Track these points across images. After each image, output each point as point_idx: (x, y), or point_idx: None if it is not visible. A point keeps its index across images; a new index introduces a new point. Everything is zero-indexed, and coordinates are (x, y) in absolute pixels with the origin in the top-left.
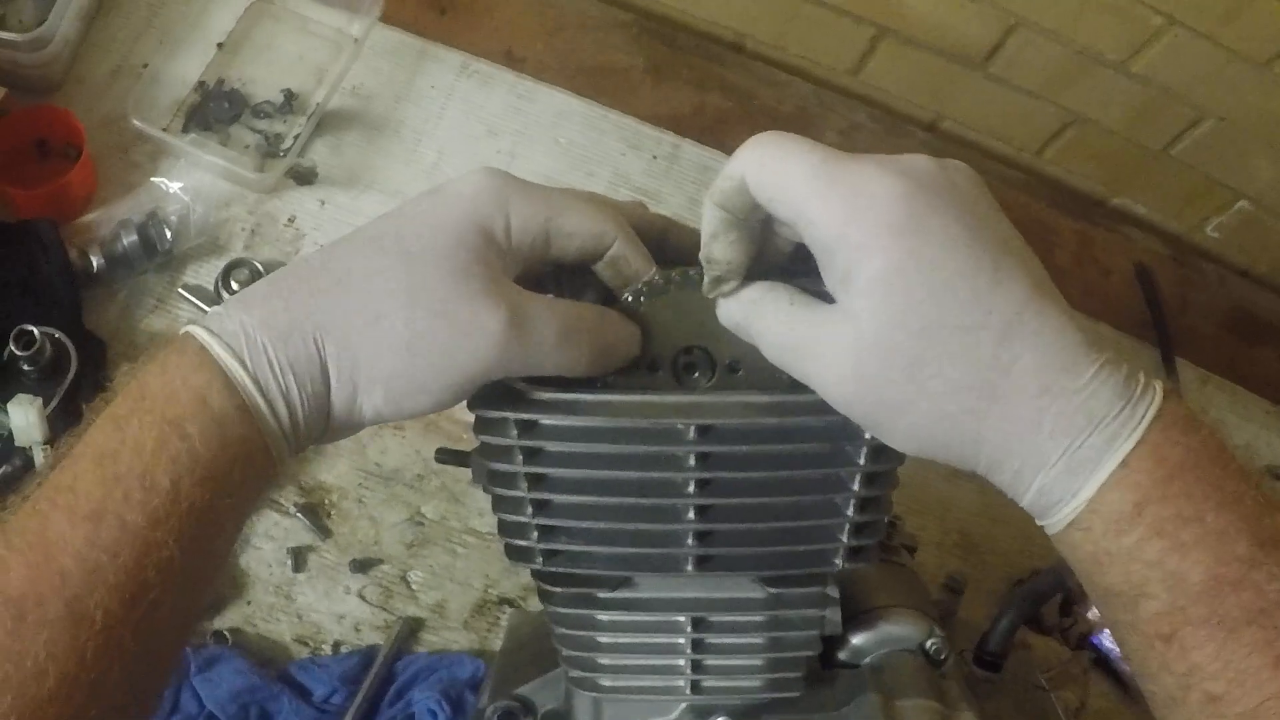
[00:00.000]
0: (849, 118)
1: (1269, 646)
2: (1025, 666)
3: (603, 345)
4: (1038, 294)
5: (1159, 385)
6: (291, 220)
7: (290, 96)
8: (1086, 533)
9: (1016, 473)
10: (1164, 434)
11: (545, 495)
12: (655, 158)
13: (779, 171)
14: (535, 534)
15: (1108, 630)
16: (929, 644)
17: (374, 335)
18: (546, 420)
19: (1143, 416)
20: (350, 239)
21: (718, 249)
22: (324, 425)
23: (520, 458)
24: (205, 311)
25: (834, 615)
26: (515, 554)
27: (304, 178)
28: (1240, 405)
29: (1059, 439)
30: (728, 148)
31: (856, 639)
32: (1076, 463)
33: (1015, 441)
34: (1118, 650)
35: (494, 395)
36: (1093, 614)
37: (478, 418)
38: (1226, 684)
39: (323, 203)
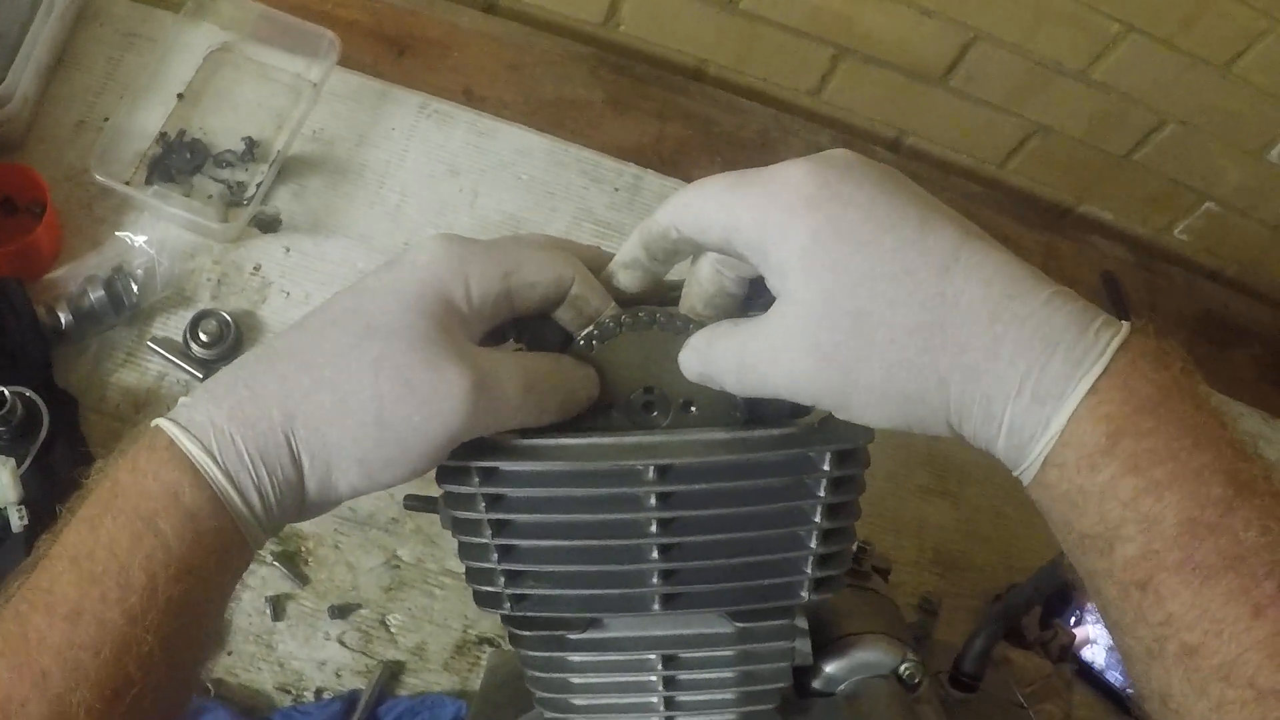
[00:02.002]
0: (811, 140)
1: (1246, 594)
2: (1004, 684)
3: (564, 394)
4: (971, 237)
5: (1125, 323)
6: (257, 269)
7: (252, 144)
8: (1060, 469)
9: (985, 410)
10: (1133, 365)
11: (510, 541)
12: (617, 190)
13: (700, 203)
14: (502, 579)
15: (1090, 605)
16: (903, 669)
17: (343, 416)
18: (507, 466)
19: (1107, 344)
20: (312, 319)
21: (622, 277)
22: (299, 507)
23: (483, 504)
24: (174, 363)
25: (804, 646)
26: (483, 600)
27: (268, 225)
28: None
29: (1018, 363)
30: (690, 176)
31: (830, 667)
32: (1043, 390)
33: (975, 374)
34: (1099, 662)
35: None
36: (1075, 626)
37: (440, 467)
38: (1203, 634)
39: (288, 249)
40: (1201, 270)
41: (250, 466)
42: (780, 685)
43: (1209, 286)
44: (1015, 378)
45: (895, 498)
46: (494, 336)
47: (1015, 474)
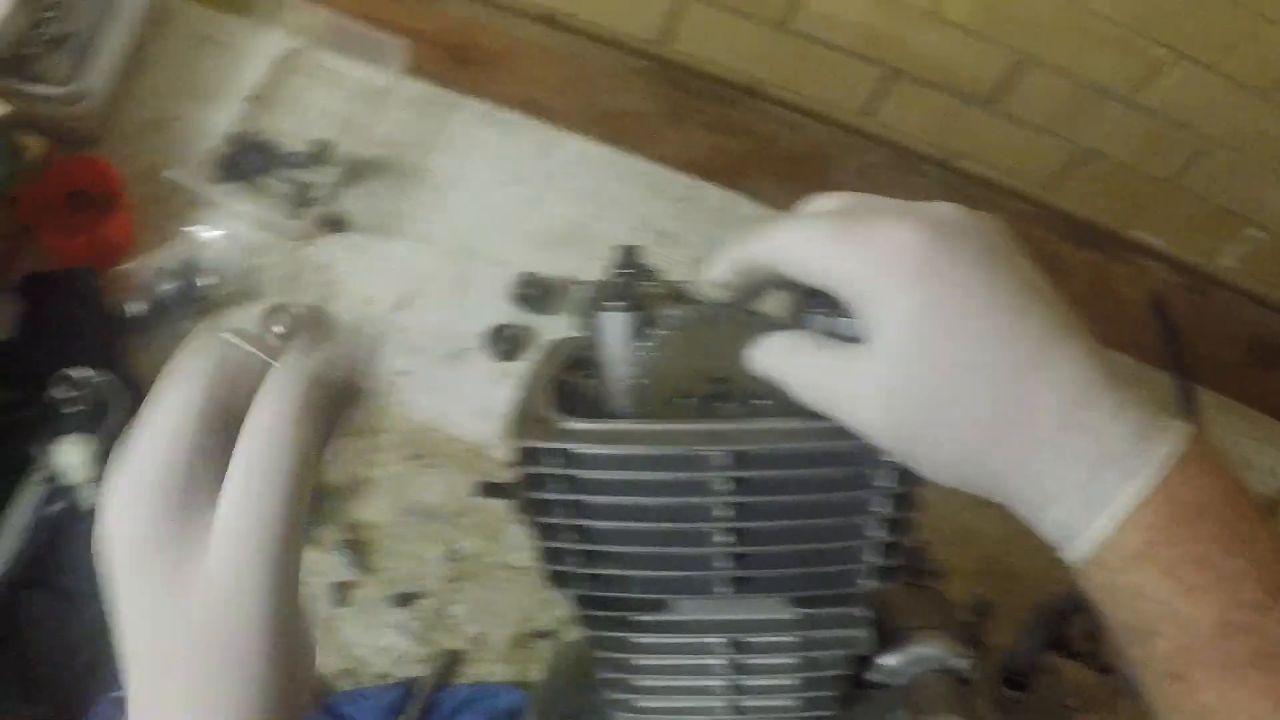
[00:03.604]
0: (864, 158)
1: (1275, 690)
2: (1054, 689)
3: None
4: (1059, 332)
5: (1182, 426)
6: (324, 267)
7: (319, 147)
8: (1101, 567)
9: (1035, 505)
10: (1181, 474)
11: (583, 522)
12: (676, 200)
13: (804, 249)
14: (574, 560)
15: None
16: (958, 663)
17: None
18: (583, 449)
19: (1159, 456)
20: None
21: (710, 293)
22: None
23: (559, 486)
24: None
25: (865, 635)
26: (555, 580)
27: (335, 225)
28: (1259, 430)
29: (1075, 473)
30: (747, 190)
31: (887, 660)
32: (1092, 498)
33: (1033, 475)
34: None
35: (532, 427)
36: None
37: (517, 449)
38: None
39: (354, 249)
40: (1249, 294)
41: None
42: (841, 673)
43: (1255, 310)
44: (1071, 485)
45: (945, 507)
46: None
47: (1060, 556)
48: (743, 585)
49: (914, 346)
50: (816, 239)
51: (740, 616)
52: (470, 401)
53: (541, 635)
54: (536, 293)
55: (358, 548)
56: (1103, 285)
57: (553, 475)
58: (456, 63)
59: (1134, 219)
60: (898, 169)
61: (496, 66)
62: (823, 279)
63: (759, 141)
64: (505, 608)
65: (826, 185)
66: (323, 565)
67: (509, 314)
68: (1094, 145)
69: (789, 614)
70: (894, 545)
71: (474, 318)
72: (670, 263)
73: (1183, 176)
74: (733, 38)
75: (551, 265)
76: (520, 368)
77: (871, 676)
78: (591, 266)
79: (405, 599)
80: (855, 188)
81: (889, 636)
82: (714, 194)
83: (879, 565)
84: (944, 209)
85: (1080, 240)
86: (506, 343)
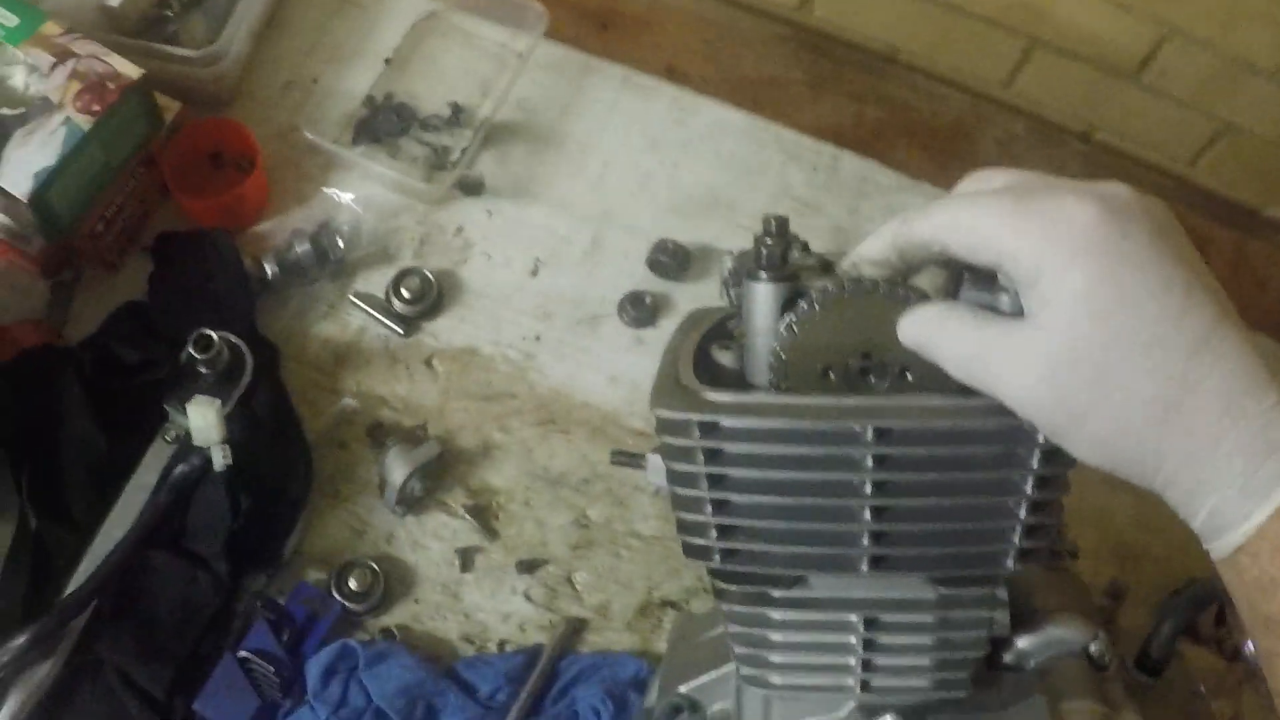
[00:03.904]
0: (1006, 129)
1: None
2: (1184, 674)
3: None
4: (1225, 320)
5: None
6: (459, 230)
7: (457, 110)
8: (1254, 558)
9: (1191, 491)
10: None
11: (724, 495)
12: (816, 169)
13: (974, 224)
14: (714, 533)
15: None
16: (1093, 648)
17: None
18: (727, 422)
19: None
20: None
21: (866, 270)
22: None
23: (701, 458)
24: (375, 318)
25: (1002, 617)
26: (693, 552)
27: (471, 189)
28: None
29: (1236, 460)
30: (887, 159)
31: (1022, 642)
32: (1251, 487)
33: (1193, 458)
34: None
35: (676, 397)
36: None
37: (659, 419)
38: None
39: (490, 213)
40: None
41: None
42: (976, 654)
43: None
44: (1230, 473)
45: (1079, 487)
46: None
47: (1205, 548)
48: (882, 563)
49: (1086, 319)
50: (988, 215)
51: (877, 595)
52: (603, 368)
53: (668, 605)
54: (672, 260)
55: (484, 513)
56: (1243, 264)
57: (695, 447)
58: (596, 27)
59: (1276, 197)
60: (1038, 141)
61: (636, 32)
62: (993, 254)
63: (899, 111)
64: (631, 577)
65: (967, 156)
66: (449, 530)
67: (644, 281)
68: (1237, 121)
69: (927, 593)
70: (1038, 527)
71: (609, 284)
72: (809, 232)
73: None
74: (873, 5)
75: (688, 233)
76: (655, 335)
77: (1005, 658)
78: (728, 234)
79: (530, 565)
80: (995, 159)
81: (1023, 618)
82: (853, 163)
83: (1021, 547)
84: (1116, 188)
85: (1220, 218)
86: (641, 310)
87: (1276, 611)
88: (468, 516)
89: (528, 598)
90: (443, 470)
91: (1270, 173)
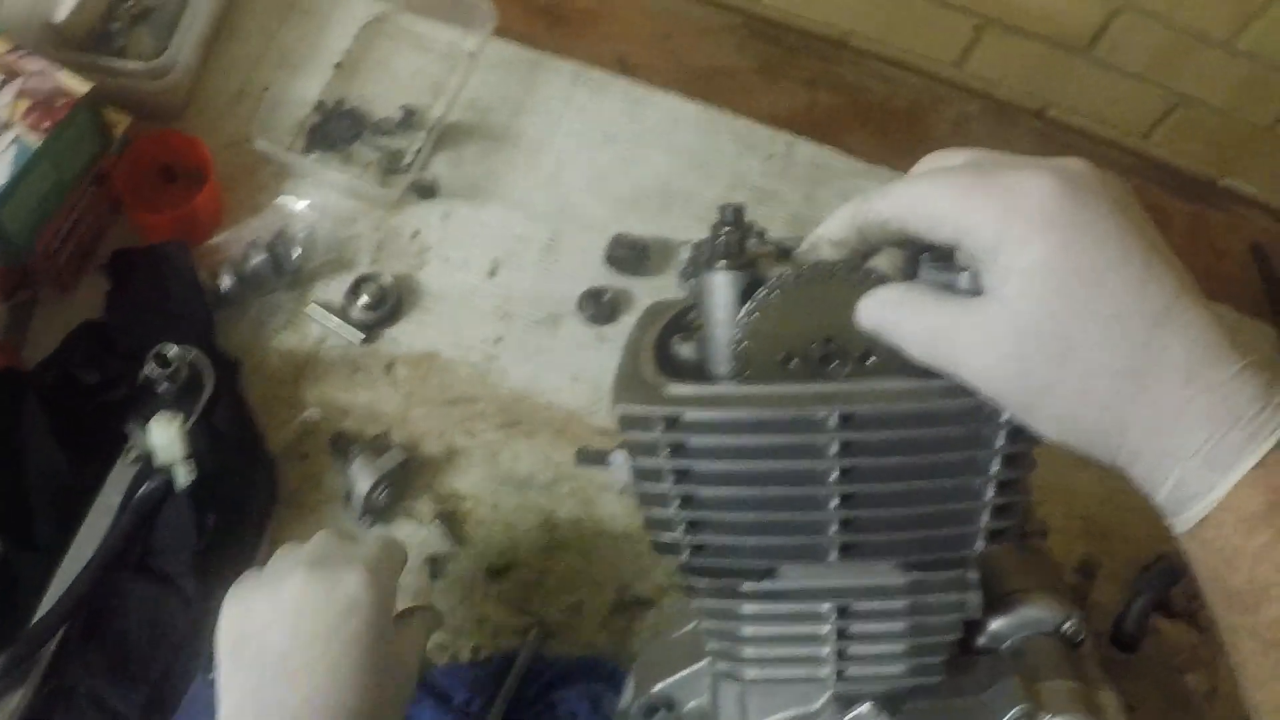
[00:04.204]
0: (960, 109)
1: None
2: (1159, 649)
3: None
4: (1185, 290)
5: None
6: (416, 234)
7: (409, 112)
8: (1218, 529)
9: (1155, 463)
10: None
11: (691, 489)
12: (771, 157)
13: (934, 200)
14: (682, 527)
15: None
16: (1066, 626)
17: None
18: (690, 415)
19: None
20: None
21: (826, 251)
22: None
23: (666, 452)
24: (334, 327)
25: (974, 599)
26: (663, 548)
27: (426, 192)
28: None
29: (1200, 430)
30: (842, 144)
31: (995, 623)
32: (1215, 457)
33: (1158, 429)
34: None
35: (638, 392)
36: None
37: (622, 415)
38: None
39: (446, 215)
40: None
41: None
42: (950, 637)
43: None
44: (1195, 442)
45: (1044, 464)
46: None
47: (1168, 522)
48: (852, 550)
49: (1048, 292)
50: (947, 192)
51: (849, 582)
52: (565, 367)
53: (641, 603)
54: (630, 254)
55: (452, 519)
56: (1201, 235)
57: (658, 441)
58: (546, 23)
59: (1231, 167)
60: (993, 120)
61: (586, 25)
62: (952, 231)
63: (852, 95)
64: (603, 576)
65: (922, 138)
66: (417, 538)
67: (603, 277)
68: (1191, 92)
69: (898, 578)
70: (1006, 506)
71: (568, 282)
72: (766, 220)
73: None
74: None
75: (645, 226)
76: (615, 331)
77: (979, 641)
78: (686, 226)
79: (501, 570)
80: (951, 141)
81: (996, 599)
82: (808, 150)
83: (989, 527)
84: (1074, 163)
85: (1177, 190)
86: (601, 306)
87: (1240, 584)
88: (435, 523)
89: (500, 602)
90: (408, 478)
91: (1225, 143)
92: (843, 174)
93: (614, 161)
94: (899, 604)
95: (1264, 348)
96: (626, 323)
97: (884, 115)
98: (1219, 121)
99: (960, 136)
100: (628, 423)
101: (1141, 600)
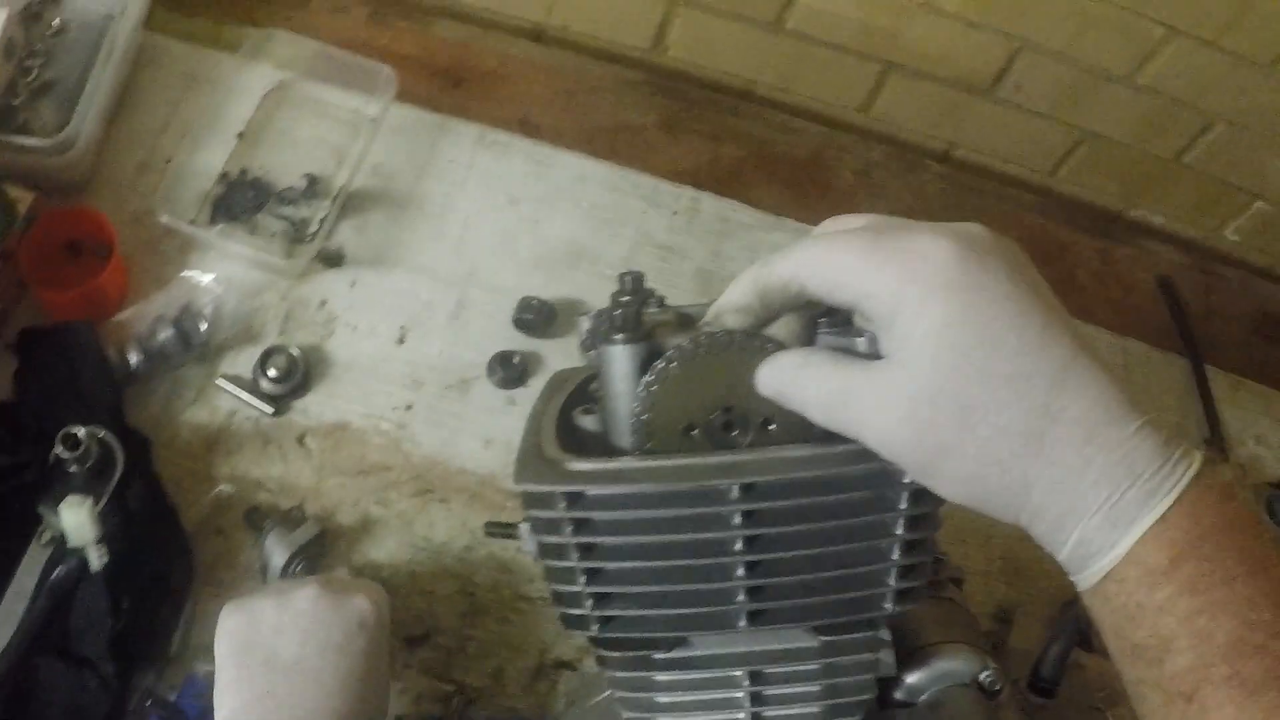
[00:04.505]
0: (864, 157)
1: None
2: (1080, 688)
3: None
4: (1083, 351)
5: (1198, 452)
6: (323, 304)
7: (313, 181)
8: (1120, 585)
9: (1057, 522)
10: (1200, 496)
11: (596, 564)
12: (676, 213)
13: (833, 264)
14: (589, 602)
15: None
16: (983, 676)
17: None
18: (593, 490)
19: (1181, 476)
20: None
21: (730, 320)
22: None
23: (569, 528)
24: (244, 400)
25: (887, 657)
26: (571, 623)
27: (332, 260)
28: (1275, 407)
29: (1101, 488)
30: (747, 197)
31: (911, 678)
32: (1116, 514)
33: (1059, 488)
34: None
35: (539, 470)
36: None
37: (524, 493)
38: None
39: (353, 284)
40: (1255, 269)
41: None
42: (865, 697)
43: (1265, 286)
44: (1095, 501)
45: (960, 507)
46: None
47: (1072, 579)
48: (760, 618)
49: (946, 356)
50: (845, 255)
51: (760, 647)
52: (477, 432)
53: (562, 665)
54: (538, 317)
55: None
56: (1109, 271)
57: (562, 519)
58: (448, 85)
59: (1137, 200)
60: (897, 167)
61: (488, 87)
62: (851, 293)
63: (756, 148)
64: (522, 640)
65: (827, 188)
66: None
67: (512, 340)
68: (1095, 128)
69: (810, 642)
70: (914, 567)
71: (477, 346)
72: (674, 277)
73: (1185, 154)
74: (726, 41)
75: (553, 288)
76: (526, 394)
77: (896, 695)
78: (593, 285)
79: (420, 638)
80: (855, 189)
81: (910, 653)
82: (713, 204)
83: (898, 588)
84: (971, 227)
85: (1085, 227)
86: (511, 370)
87: (1143, 639)
88: None
89: (421, 671)
90: (324, 550)
91: (1131, 176)
92: (748, 227)
93: (519, 223)
94: (812, 666)
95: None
96: (537, 385)
97: (788, 166)
98: (1124, 155)
99: (865, 184)
100: (530, 501)
101: (1057, 646)
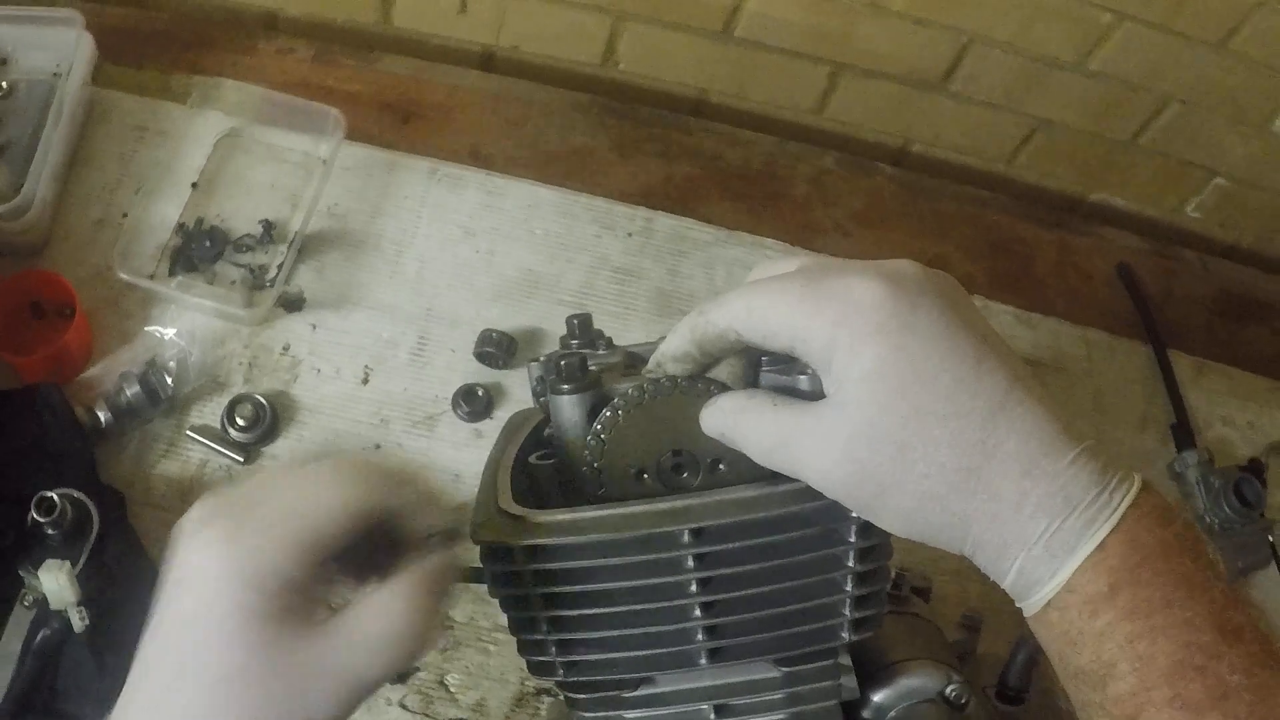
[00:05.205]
0: (816, 164)
1: None
2: (1048, 693)
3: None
4: (1018, 384)
5: (1137, 477)
6: (286, 349)
7: (269, 226)
8: (1062, 612)
9: (998, 553)
10: (1139, 522)
11: (558, 612)
12: (631, 235)
13: (767, 312)
14: (553, 649)
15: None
16: (949, 691)
17: None
18: (549, 542)
19: (1119, 503)
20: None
21: (670, 369)
22: None
23: (528, 581)
24: (214, 449)
25: (849, 681)
26: (537, 669)
27: (293, 305)
28: (1240, 387)
29: (1039, 520)
30: (701, 214)
31: (877, 696)
32: (1056, 544)
33: (998, 521)
34: None
35: (496, 524)
36: None
37: (482, 549)
38: None
39: (314, 326)
40: (1217, 246)
41: None
42: None
43: (1224, 266)
44: (1035, 531)
45: None
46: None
47: (1018, 605)
48: (720, 655)
49: (882, 397)
50: (779, 301)
51: (725, 681)
52: (446, 467)
53: (543, 693)
54: (498, 350)
55: None
56: (1068, 261)
57: (521, 571)
58: (397, 121)
59: (1096, 184)
60: (850, 172)
61: (438, 120)
62: (787, 340)
63: (708, 163)
64: (503, 670)
65: (780, 199)
66: None
67: (475, 373)
68: (1049, 116)
69: (772, 673)
70: (868, 596)
71: (440, 382)
72: (631, 299)
73: (1141, 136)
74: (675, 52)
75: (512, 318)
76: (492, 426)
77: (864, 714)
78: (553, 314)
79: (402, 675)
80: (810, 199)
81: (876, 672)
82: (667, 223)
83: (853, 618)
84: (902, 265)
85: (1042, 220)
86: (476, 403)
87: (1087, 663)
88: None
89: (404, 707)
90: None
91: (1089, 160)
92: (704, 244)
93: (475, 255)
94: (776, 696)
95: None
96: (502, 416)
97: (741, 180)
98: (1080, 141)
99: (818, 193)
100: (488, 556)
101: (1022, 654)
